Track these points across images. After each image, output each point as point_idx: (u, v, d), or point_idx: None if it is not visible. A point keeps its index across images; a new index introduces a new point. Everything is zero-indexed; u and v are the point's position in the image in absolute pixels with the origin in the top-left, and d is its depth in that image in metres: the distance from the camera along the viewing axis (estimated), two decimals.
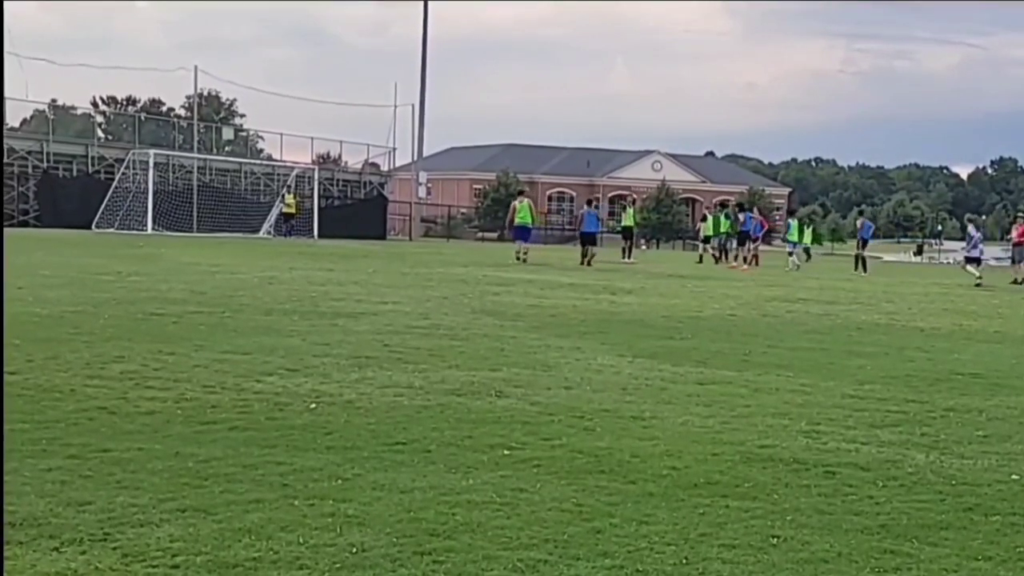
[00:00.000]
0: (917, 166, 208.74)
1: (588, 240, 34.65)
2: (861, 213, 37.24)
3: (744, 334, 14.59)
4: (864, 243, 39.94)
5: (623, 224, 41.47)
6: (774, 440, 7.66)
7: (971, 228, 34.69)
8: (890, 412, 8.99)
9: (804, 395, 9.67)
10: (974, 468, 7.11)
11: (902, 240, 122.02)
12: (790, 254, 40.47)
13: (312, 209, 53.71)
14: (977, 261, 32.91)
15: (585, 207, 37.68)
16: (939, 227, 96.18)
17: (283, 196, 51.67)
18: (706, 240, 44.36)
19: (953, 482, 6.68)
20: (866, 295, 23.71)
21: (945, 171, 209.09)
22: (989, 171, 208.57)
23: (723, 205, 51.98)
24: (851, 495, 6.28)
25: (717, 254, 42.47)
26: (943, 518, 5.90)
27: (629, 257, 38.10)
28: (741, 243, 39.40)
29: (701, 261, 41.63)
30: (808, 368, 11.41)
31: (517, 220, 33.96)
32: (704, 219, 44.96)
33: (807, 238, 45.50)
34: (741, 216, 40.40)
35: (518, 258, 32.39)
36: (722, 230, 42.82)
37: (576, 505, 5.82)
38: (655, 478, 6.46)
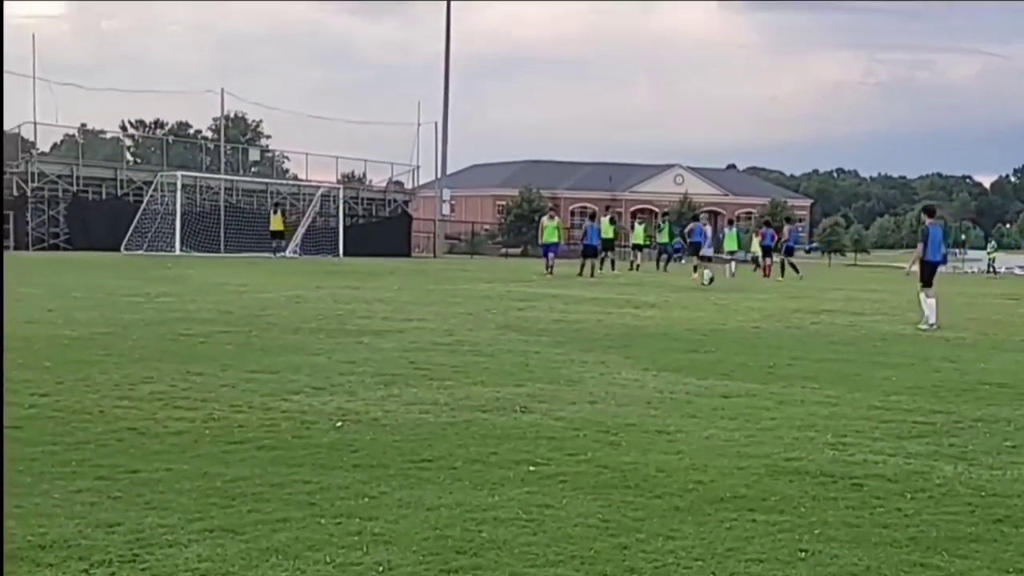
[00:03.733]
0: (940, 175, 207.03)
1: (589, 252, 35.62)
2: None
3: (769, 346, 14.56)
4: (791, 250, 41.75)
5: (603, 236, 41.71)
6: (800, 453, 7.65)
7: (703, 225, 34.91)
8: (917, 423, 8.95)
9: (830, 407, 9.64)
10: (1003, 479, 7.07)
11: None
12: (727, 262, 41.38)
13: (337, 228, 53.90)
14: (709, 259, 33.27)
15: (588, 221, 38.52)
16: (963, 236, 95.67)
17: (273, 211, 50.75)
18: (636, 248, 44.91)
19: (982, 493, 6.65)
20: (890, 305, 23.60)
21: (968, 180, 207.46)
22: (1012, 179, 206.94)
23: (665, 214, 52.64)
24: (879, 507, 6.26)
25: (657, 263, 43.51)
26: (973, 530, 5.87)
27: (612, 268, 38.92)
28: (693, 253, 39.87)
29: (632, 268, 42.19)
30: (833, 380, 11.37)
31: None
32: (632, 228, 45.65)
33: (755, 247, 46.41)
34: (690, 226, 41.10)
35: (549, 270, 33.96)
36: (663, 240, 43.97)
37: (602, 521, 5.83)
38: (681, 492, 6.46)
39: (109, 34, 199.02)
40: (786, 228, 44.56)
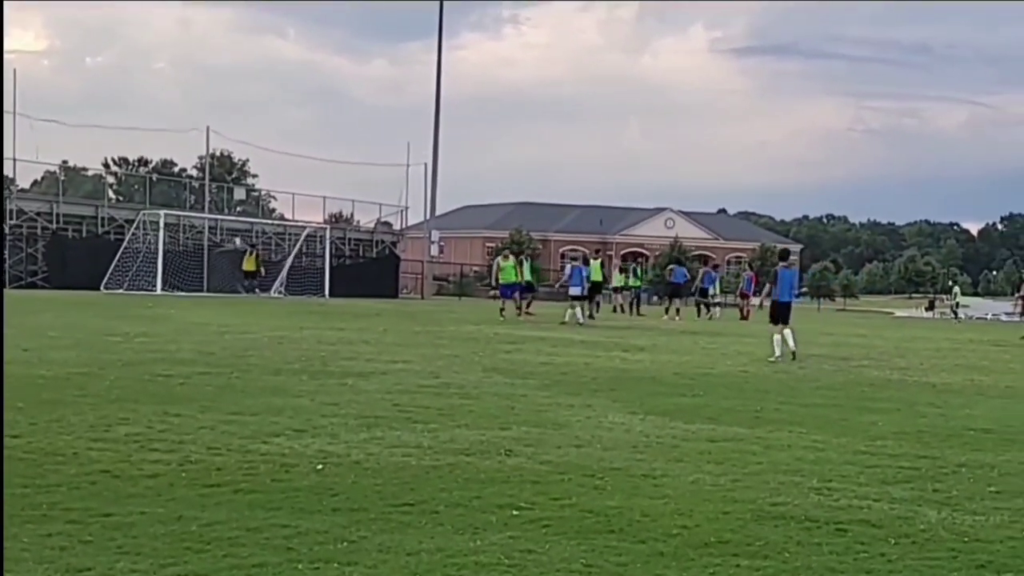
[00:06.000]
0: (928, 222, 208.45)
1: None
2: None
3: (756, 390, 14.51)
4: (704, 292, 42.94)
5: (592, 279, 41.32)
6: (786, 498, 7.57)
7: (568, 267, 35.19)
8: (902, 468, 8.90)
9: (816, 452, 9.58)
10: (986, 524, 7.02)
11: (913, 296, 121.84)
12: (710, 306, 42.78)
13: (324, 268, 53.84)
14: (578, 298, 32.50)
15: (570, 264, 38.36)
16: (950, 282, 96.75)
17: (247, 251, 50.73)
18: (616, 290, 45.44)
19: (965, 539, 6.60)
20: (878, 351, 23.61)
21: (955, 227, 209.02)
22: (999, 227, 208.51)
23: (626, 259, 53.19)
24: (863, 553, 6.19)
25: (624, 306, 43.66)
26: (955, 575, 5.80)
27: (598, 311, 38.21)
28: (673, 296, 40.18)
29: (615, 311, 42.21)
30: (820, 424, 11.32)
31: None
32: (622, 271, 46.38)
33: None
34: (669, 267, 41.48)
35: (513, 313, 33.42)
36: (629, 284, 43.99)
37: (585, 566, 5.74)
38: (665, 537, 6.38)
39: (93, 70, 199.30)
40: (701, 270, 45.35)
